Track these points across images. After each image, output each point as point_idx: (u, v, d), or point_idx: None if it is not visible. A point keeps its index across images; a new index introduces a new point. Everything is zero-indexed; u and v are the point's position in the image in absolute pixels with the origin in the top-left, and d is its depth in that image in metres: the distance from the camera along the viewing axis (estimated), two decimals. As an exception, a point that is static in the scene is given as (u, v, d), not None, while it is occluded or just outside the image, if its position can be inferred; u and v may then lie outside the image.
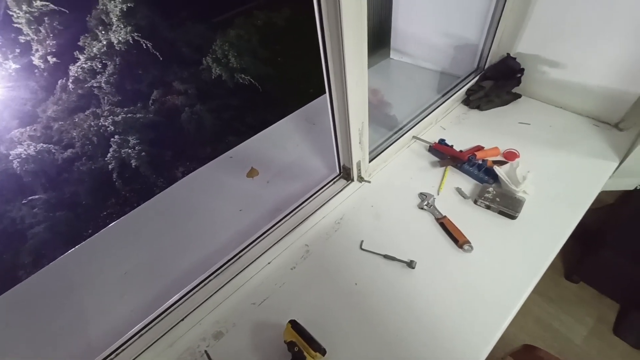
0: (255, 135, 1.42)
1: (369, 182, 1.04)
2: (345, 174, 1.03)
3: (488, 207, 0.93)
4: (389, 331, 0.74)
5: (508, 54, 1.33)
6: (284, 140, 1.36)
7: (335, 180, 1.04)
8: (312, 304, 0.81)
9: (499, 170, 0.97)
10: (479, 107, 1.34)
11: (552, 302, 1.60)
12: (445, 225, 0.89)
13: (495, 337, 0.71)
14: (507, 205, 0.90)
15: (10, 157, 4.14)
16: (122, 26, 4.60)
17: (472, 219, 0.92)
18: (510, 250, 0.85)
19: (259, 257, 0.89)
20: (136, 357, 0.74)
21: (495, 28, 1.28)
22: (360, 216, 0.99)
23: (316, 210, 0.97)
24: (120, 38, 4.48)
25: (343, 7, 0.59)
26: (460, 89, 1.37)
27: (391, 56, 1.74)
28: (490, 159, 1.07)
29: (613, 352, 1.43)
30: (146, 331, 0.77)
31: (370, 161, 1.04)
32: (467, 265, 0.83)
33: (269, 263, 0.91)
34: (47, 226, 3.78)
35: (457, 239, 0.85)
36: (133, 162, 4.12)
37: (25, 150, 4.13)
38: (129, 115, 4.38)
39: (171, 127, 4.58)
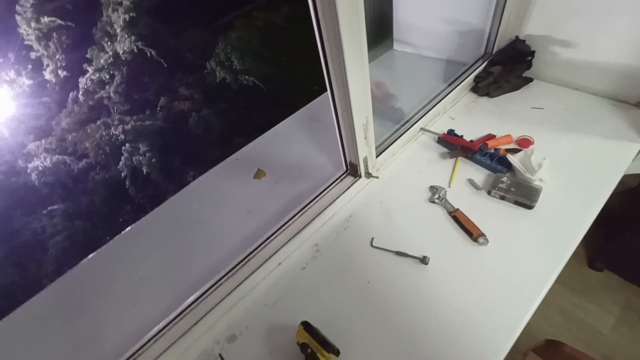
0: (260, 136, 1.41)
1: (377, 177, 1.02)
2: (353, 170, 1.01)
3: (503, 198, 0.89)
4: (404, 329, 0.72)
5: (517, 37, 1.28)
6: (289, 139, 1.35)
7: (342, 177, 1.02)
8: (324, 304, 0.79)
9: (513, 159, 0.93)
10: (488, 94, 1.29)
11: (576, 292, 1.54)
12: (458, 218, 0.86)
13: (516, 331, 0.69)
14: (523, 194, 0.86)
15: (29, 170, 4.27)
16: (126, 36, 4.67)
17: (486, 211, 0.89)
18: (528, 241, 0.82)
19: (269, 258, 0.88)
20: (152, 363, 0.74)
21: (501, 10, 1.23)
22: (370, 213, 0.97)
23: (324, 209, 0.96)
24: (125, 48, 4.55)
25: (338, 1, 0.57)
26: (468, 76, 1.33)
27: (394, 47, 1.70)
28: (503, 147, 1.03)
29: (643, 342, 1.37)
30: (161, 335, 0.77)
31: (377, 156, 1.02)
32: (483, 258, 0.80)
33: (279, 264, 0.90)
34: (66, 235, 3.89)
35: (471, 232, 0.82)
36: (144, 169, 4.19)
37: (42, 162, 4.25)
38: (138, 123, 4.45)
39: (179, 133, 4.63)
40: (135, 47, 4.53)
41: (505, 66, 1.29)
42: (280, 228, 0.93)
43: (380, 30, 1.66)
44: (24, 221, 4.16)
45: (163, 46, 4.70)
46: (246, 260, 0.88)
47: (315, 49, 0.69)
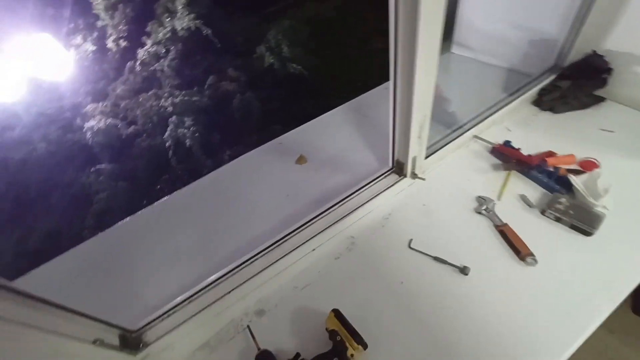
0: (305, 124, 1.42)
1: (423, 179, 0.99)
2: (398, 168, 0.99)
3: (558, 220, 0.84)
4: (434, 335, 0.71)
5: (594, 51, 1.18)
6: (334, 130, 1.34)
7: (386, 174, 1.01)
8: (354, 297, 0.79)
9: (575, 180, 0.87)
10: (552, 109, 1.21)
11: (614, 334, 1.43)
12: (505, 233, 0.82)
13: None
14: (582, 219, 0.80)
15: (84, 129, 4.64)
16: (186, 13, 4.87)
17: (537, 231, 0.84)
18: (581, 271, 0.76)
19: (303, 243, 0.89)
20: (184, 322, 0.78)
21: (581, 20, 1.14)
22: (410, 214, 0.95)
23: (364, 203, 0.95)
24: (183, 25, 4.76)
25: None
26: (532, 88, 1.25)
27: (452, 50, 1.64)
28: (564, 166, 0.96)
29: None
30: (195, 298, 0.81)
31: (426, 158, 0.99)
32: (529, 279, 0.76)
33: (313, 250, 0.91)
34: (109, 194, 4.19)
35: (519, 250, 0.78)
36: (187, 142, 4.41)
37: (96, 123, 4.59)
38: (186, 97, 4.66)
39: (222, 112, 4.79)
40: (192, 25, 4.72)
41: (576, 81, 1.20)
42: (317, 215, 0.94)
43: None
44: (75, 175, 4.52)
45: (218, 27, 4.86)
46: (281, 241, 0.90)
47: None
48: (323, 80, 5.02)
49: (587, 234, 0.79)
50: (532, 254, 0.77)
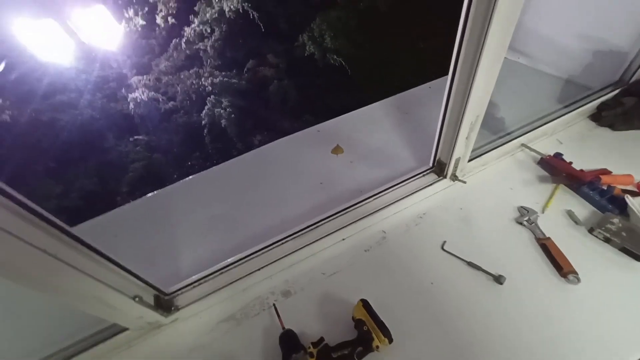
0: (344, 115, 1.41)
1: (464, 182, 0.96)
2: (439, 168, 0.97)
3: (607, 240, 0.79)
4: (460, 340, 0.69)
5: (669, 68, 1.09)
6: (373, 124, 1.33)
7: (425, 173, 0.99)
8: (380, 290, 0.79)
9: (632, 201, 0.81)
10: (611, 126, 1.13)
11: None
12: (547, 247, 0.79)
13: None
14: (636, 242, 0.75)
15: (128, 100, 4.87)
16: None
17: (582, 249, 0.79)
18: (628, 298, 0.72)
19: (334, 231, 0.89)
20: (213, 292, 0.81)
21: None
22: (446, 216, 0.93)
23: (399, 200, 0.94)
24: (232, 6, 4.83)
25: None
26: (590, 102, 1.17)
27: (505, 54, 1.56)
28: (620, 186, 0.90)
29: None
30: (226, 271, 0.84)
31: (469, 160, 0.96)
32: (568, 298, 0.72)
33: (343, 239, 0.91)
34: (144, 164, 4.39)
35: (561, 266, 0.74)
36: (223, 122, 4.52)
37: (140, 95, 4.81)
38: (225, 79, 4.76)
39: (258, 97, 4.86)
40: (241, 7, 4.78)
41: (644, 99, 1.11)
42: (350, 206, 0.94)
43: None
44: (114, 143, 4.77)
45: (265, 11, 4.89)
46: (313, 226, 0.91)
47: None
48: (363, 75, 4.95)
49: (639, 258, 0.74)
50: (574, 272, 0.73)
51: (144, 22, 5.85)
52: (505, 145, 1.05)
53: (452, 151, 0.87)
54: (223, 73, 4.97)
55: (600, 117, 1.16)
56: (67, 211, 3.88)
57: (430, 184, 0.96)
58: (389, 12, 4.83)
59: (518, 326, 0.70)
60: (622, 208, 0.84)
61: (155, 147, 4.71)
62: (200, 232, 1.04)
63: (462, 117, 0.75)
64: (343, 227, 0.90)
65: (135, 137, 4.78)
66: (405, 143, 1.21)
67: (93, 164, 4.56)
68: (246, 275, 0.83)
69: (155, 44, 5.91)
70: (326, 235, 0.89)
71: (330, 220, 0.92)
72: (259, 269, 0.84)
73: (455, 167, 0.94)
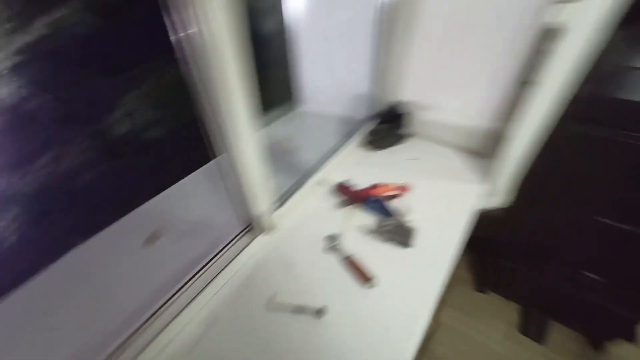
0: (157, 195, 1.33)
1: (277, 231, 1.03)
2: (253, 226, 1.01)
3: (388, 240, 0.99)
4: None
5: (395, 101, 1.53)
6: (193, 195, 1.30)
7: (241, 234, 1.01)
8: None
9: (390, 204, 1.06)
10: (376, 148, 1.49)
11: (469, 315, 1.73)
12: (349, 264, 0.92)
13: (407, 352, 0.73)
14: (401, 235, 0.97)
15: None
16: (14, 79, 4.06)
17: (376, 254, 0.97)
18: (409, 276, 0.90)
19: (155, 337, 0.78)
20: None
21: (381, 80, 1.48)
22: (271, 269, 0.96)
23: (222, 270, 0.92)
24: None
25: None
26: (362, 132, 1.52)
27: (298, 108, 1.88)
28: (386, 194, 1.16)
29: (527, 353, 1.57)
30: None
31: (277, 209, 1.05)
32: (372, 300, 0.85)
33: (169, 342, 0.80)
34: None
35: (362, 276, 0.88)
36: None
37: None
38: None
39: (64, 193, 4.01)
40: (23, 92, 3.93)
41: (390, 124, 1.52)
42: (167, 301, 0.84)
43: (286, 92, 1.83)
44: None
45: (54, 96, 4.20)
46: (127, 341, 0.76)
47: None
48: (184, 144, 4.84)
49: (406, 245, 0.97)
50: (371, 278, 0.87)
51: None
52: (305, 185, 1.21)
53: (256, 208, 0.92)
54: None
55: (368, 143, 1.51)
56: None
57: (248, 244, 0.98)
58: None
59: (343, 348, 0.76)
60: (391, 211, 1.08)
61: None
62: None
63: (247, 178, 0.82)
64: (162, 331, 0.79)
65: None
66: (222, 208, 1.21)
67: None
68: None
69: None
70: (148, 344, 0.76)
71: (148, 326, 0.80)
72: None
73: (266, 219, 1.00)
